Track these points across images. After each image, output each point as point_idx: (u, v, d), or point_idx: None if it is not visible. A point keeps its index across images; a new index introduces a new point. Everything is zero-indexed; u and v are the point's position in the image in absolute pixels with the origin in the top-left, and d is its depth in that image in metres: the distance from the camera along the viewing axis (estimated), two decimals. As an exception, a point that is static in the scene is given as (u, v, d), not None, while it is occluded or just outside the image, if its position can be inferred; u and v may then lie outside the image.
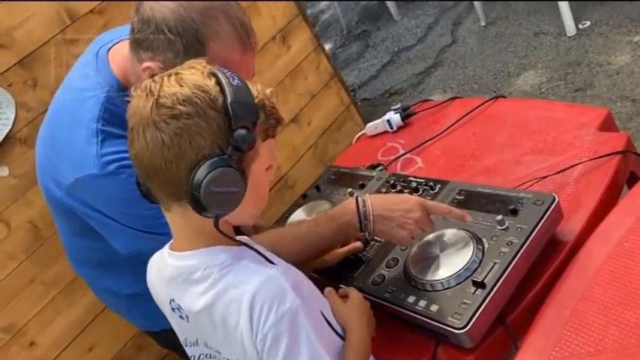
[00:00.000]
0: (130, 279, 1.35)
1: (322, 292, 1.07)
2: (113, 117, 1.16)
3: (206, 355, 1.01)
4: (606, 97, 2.70)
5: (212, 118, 0.84)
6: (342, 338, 1.02)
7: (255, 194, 0.92)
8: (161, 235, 1.11)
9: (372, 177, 1.53)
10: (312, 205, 1.55)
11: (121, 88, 1.19)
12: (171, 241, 1.00)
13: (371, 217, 1.16)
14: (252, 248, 0.95)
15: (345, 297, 1.10)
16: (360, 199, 1.18)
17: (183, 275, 0.94)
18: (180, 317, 0.99)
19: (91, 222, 1.24)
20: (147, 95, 0.86)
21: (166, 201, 0.91)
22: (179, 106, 0.83)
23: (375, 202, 1.17)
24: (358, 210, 1.16)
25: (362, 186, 1.52)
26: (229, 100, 0.84)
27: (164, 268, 0.99)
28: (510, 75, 3.22)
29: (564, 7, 3.13)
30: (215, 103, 0.84)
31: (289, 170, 2.61)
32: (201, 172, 0.83)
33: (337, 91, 2.88)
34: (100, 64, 1.21)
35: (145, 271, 1.26)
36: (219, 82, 0.86)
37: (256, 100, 0.88)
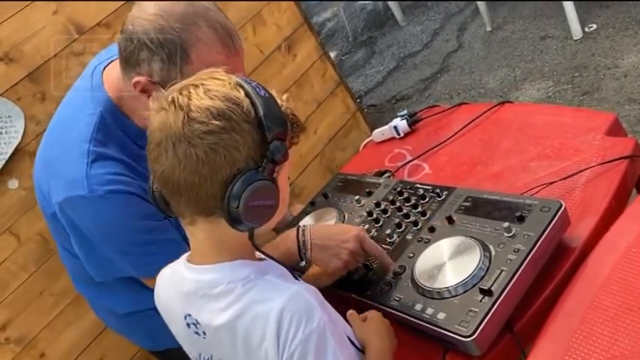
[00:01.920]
0: (127, 298, 1.35)
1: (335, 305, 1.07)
2: (106, 137, 1.17)
3: None
4: (614, 101, 2.69)
5: (247, 132, 0.83)
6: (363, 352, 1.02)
7: (281, 202, 0.91)
8: (140, 263, 1.16)
9: (380, 184, 1.53)
10: (320, 213, 1.55)
11: (115, 108, 1.19)
12: (186, 254, 0.99)
13: (309, 246, 1.22)
14: (276, 261, 0.94)
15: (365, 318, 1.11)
16: (300, 228, 1.24)
17: (203, 290, 0.92)
18: (196, 333, 0.96)
19: (74, 243, 1.23)
20: (175, 109, 0.83)
21: (192, 215, 0.89)
22: (214, 121, 0.81)
23: (314, 231, 1.24)
24: (298, 239, 1.23)
25: (369, 193, 1.52)
26: (261, 112, 0.83)
27: (181, 283, 0.96)
28: (517, 79, 3.21)
29: (570, 11, 3.12)
30: (248, 116, 0.83)
31: (296, 178, 2.62)
32: (238, 187, 0.82)
33: (343, 99, 2.88)
34: (94, 84, 1.21)
35: (142, 289, 1.25)
36: (247, 94, 0.84)
37: (283, 109, 0.88)
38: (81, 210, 1.15)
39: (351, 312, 1.10)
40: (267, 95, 0.86)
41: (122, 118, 1.19)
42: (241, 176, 0.83)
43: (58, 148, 1.21)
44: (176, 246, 1.08)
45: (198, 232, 0.92)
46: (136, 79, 1.10)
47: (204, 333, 0.95)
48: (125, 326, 1.47)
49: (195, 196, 0.85)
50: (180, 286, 0.96)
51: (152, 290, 1.17)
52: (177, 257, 1.01)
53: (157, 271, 1.06)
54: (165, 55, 1.06)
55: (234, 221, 0.84)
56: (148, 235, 1.18)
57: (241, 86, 0.86)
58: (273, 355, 0.86)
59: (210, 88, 0.84)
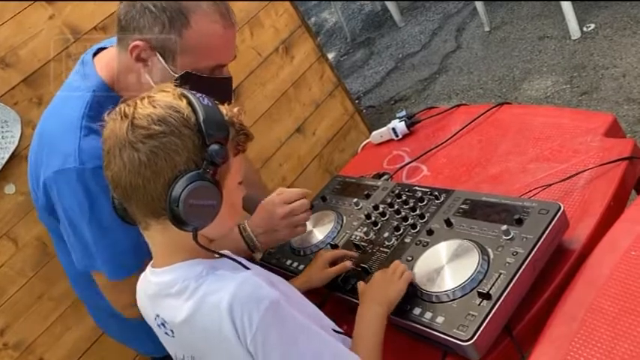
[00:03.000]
0: None
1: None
2: (98, 114, 1.16)
3: None
4: (613, 100, 2.69)
5: (186, 136, 0.88)
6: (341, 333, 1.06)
7: (229, 208, 0.96)
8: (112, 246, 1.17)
9: (378, 187, 1.53)
10: (319, 216, 1.55)
11: (107, 88, 1.22)
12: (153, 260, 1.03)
13: (253, 238, 1.31)
14: (230, 258, 0.99)
15: None
16: (241, 226, 1.33)
17: (163, 290, 0.97)
18: (166, 333, 1.02)
19: (61, 226, 1.24)
20: (122, 118, 0.90)
21: (145, 219, 0.94)
22: (154, 126, 0.88)
23: (251, 223, 1.33)
24: (243, 236, 1.32)
25: (367, 196, 1.51)
26: (201, 117, 0.89)
27: (147, 286, 1.02)
28: (515, 80, 3.21)
29: (568, 11, 3.12)
30: (188, 122, 0.89)
31: (294, 180, 2.61)
32: (178, 187, 0.87)
33: (341, 101, 2.88)
34: (86, 70, 1.25)
35: None
36: (190, 103, 0.90)
37: (226, 117, 0.93)
38: (68, 184, 1.15)
39: (360, 284, 1.19)
40: (209, 104, 0.92)
41: (115, 97, 1.20)
42: (181, 177, 0.88)
43: (52, 127, 1.23)
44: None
45: (153, 236, 0.97)
46: (135, 43, 1.14)
47: (172, 332, 1.00)
48: (127, 331, 1.46)
49: (142, 199, 0.90)
50: (147, 289, 1.02)
51: None
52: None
53: (122, 266, 1.16)
54: (167, 18, 1.11)
55: (177, 221, 0.89)
56: None
57: (185, 96, 0.92)
58: (234, 342, 0.90)
59: (155, 99, 0.91)
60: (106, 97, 1.20)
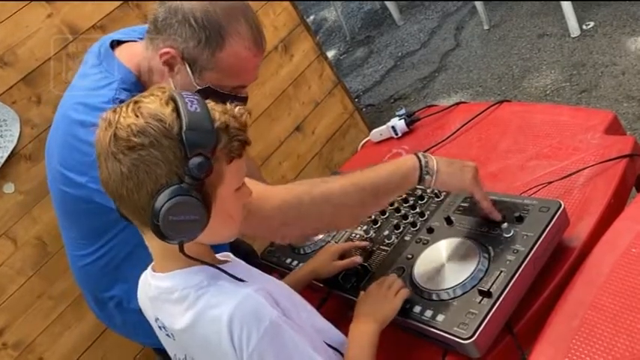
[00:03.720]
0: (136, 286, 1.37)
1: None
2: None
3: None
4: (612, 98, 2.68)
5: (167, 147, 0.84)
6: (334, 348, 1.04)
7: (224, 217, 0.92)
8: None
9: (377, 185, 1.52)
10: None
11: (134, 78, 1.23)
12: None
13: (434, 162, 1.15)
14: (221, 270, 0.94)
15: None
16: (418, 153, 1.17)
17: (163, 295, 0.97)
18: (167, 335, 1.01)
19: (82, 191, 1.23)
20: (106, 127, 0.87)
21: (139, 225, 0.93)
22: (133, 138, 0.84)
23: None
24: (419, 158, 1.15)
25: (367, 195, 1.51)
26: (184, 127, 0.84)
27: (147, 288, 1.01)
28: (515, 78, 3.20)
29: (568, 9, 3.11)
30: (170, 132, 0.84)
31: (294, 179, 2.61)
32: (159, 202, 0.84)
33: (341, 99, 2.88)
34: (109, 61, 1.25)
35: None
36: (176, 109, 0.86)
37: (217, 124, 0.87)
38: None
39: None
40: (197, 110, 0.86)
41: (141, 88, 1.22)
42: (162, 192, 0.84)
43: (79, 111, 1.22)
44: None
45: (150, 241, 0.96)
46: (166, 49, 1.16)
47: (172, 335, 0.99)
48: (134, 322, 1.45)
49: (130, 208, 0.89)
50: (148, 291, 1.02)
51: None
52: None
53: None
54: (205, 36, 1.14)
55: (159, 235, 0.86)
56: None
57: (173, 100, 0.87)
58: (232, 356, 0.89)
59: (141, 105, 0.87)
60: (134, 87, 1.21)
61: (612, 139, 1.35)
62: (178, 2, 1.15)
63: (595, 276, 1.05)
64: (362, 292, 1.18)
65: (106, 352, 2.04)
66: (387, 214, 1.40)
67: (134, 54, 1.25)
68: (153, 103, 0.87)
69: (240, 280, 0.94)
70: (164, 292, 0.96)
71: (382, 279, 1.18)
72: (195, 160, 0.84)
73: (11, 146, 1.83)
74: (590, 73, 2.90)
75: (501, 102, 1.69)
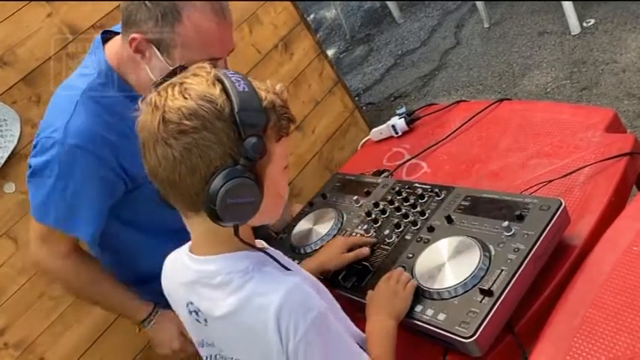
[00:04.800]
0: (128, 267, 1.47)
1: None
2: (99, 96, 1.27)
3: (222, 357, 1.01)
4: (613, 96, 2.68)
5: (220, 129, 0.82)
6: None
7: (273, 196, 0.91)
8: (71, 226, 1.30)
9: (378, 184, 1.53)
10: (319, 214, 1.55)
11: (112, 71, 1.28)
12: (189, 243, 1.00)
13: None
14: (270, 256, 0.94)
15: None
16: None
17: (204, 279, 0.94)
18: (197, 320, 0.99)
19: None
20: (153, 110, 0.85)
21: (184, 210, 0.92)
22: (185, 121, 0.82)
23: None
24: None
25: (367, 193, 1.51)
26: (236, 108, 0.82)
27: (183, 271, 0.98)
28: (515, 75, 3.20)
29: (568, 6, 3.11)
30: (222, 114, 0.83)
31: (294, 178, 2.61)
32: (215, 185, 0.82)
33: (341, 98, 2.87)
34: (96, 52, 1.32)
35: (141, 259, 1.40)
36: (224, 90, 0.84)
37: (264, 103, 0.86)
38: (48, 150, 1.24)
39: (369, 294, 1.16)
40: (246, 90, 0.84)
41: (121, 82, 1.28)
42: (218, 175, 0.83)
43: (55, 99, 1.33)
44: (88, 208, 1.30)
45: (193, 225, 0.94)
46: (133, 36, 1.20)
47: (205, 321, 0.97)
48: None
49: (180, 194, 0.87)
50: (183, 275, 0.98)
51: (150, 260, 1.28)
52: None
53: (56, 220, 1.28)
54: (160, 13, 1.17)
55: (215, 219, 0.85)
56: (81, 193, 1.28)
57: (220, 81, 0.85)
58: (276, 347, 0.88)
59: (187, 87, 0.84)
60: (111, 80, 1.28)
61: (613, 137, 1.35)
62: None
63: (596, 274, 1.05)
64: (370, 291, 1.17)
65: (106, 352, 2.04)
66: (388, 213, 1.40)
67: (117, 48, 1.29)
68: (200, 85, 0.85)
69: (286, 268, 0.94)
70: (205, 275, 0.93)
71: (389, 274, 1.17)
72: (250, 141, 0.83)
73: (12, 146, 1.83)
74: (591, 70, 2.90)
75: (502, 100, 1.69)
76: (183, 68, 1.09)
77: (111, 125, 1.25)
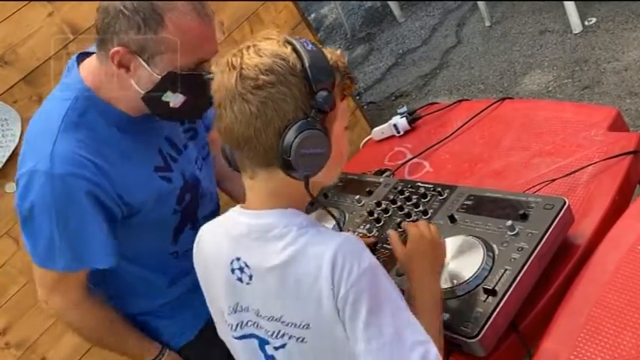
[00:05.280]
0: (139, 296, 1.38)
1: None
2: (79, 119, 1.17)
3: (253, 323, 1.00)
4: (615, 94, 2.68)
5: (293, 84, 0.88)
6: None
7: (337, 154, 0.96)
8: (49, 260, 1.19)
9: (380, 183, 1.52)
10: (320, 213, 1.54)
11: (91, 94, 1.19)
12: (238, 205, 1.02)
13: None
14: (330, 213, 1.03)
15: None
16: None
17: (257, 233, 0.96)
18: (239, 279, 0.99)
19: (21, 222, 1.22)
20: (229, 69, 0.90)
21: (252, 168, 0.95)
22: (262, 76, 0.88)
23: None
24: None
25: (370, 193, 1.51)
26: (307, 64, 0.89)
27: (232, 227, 1.00)
28: (517, 74, 3.19)
29: (569, 5, 3.10)
30: (294, 70, 0.89)
31: (296, 177, 2.60)
32: (289, 137, 0.88)
33: (342, 97, 2.87)
34: (71, 75, 1.23)
35: (152, 290, 1.34)
36: (295, 49, 0.90)
37: (331, 62, 0.93)
38: (37, 184, 1.13)
39: (392, 233, 1.14)
40: (314, 49, 0.91)
41: (101, 102, 1.19)
42: (292, 126, 0.88)
43: (34, 129, 1.23)
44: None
45: (257, 183, 0.96)
46: (115, 49, 1.11)
47: (249, 278, 0.97)
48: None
49: (253, 149, 0.91)
50: (232, 230, 1.00)
51: (162, 290, 1.33)
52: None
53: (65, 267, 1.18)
54: (141, 19, 1.09)
55: (288, 169, 0.90)
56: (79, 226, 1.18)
57: (289, 43, 0.92)
58: (327, 293, 0.88)
59: (261, 47, 0.90)
60: (91, 103, 1.18)
61: (616, 135, 1.35)
62: (109, 2, 1.11)
63: (600, 273, 1.05)
64: (399, 247, 1.11)
65: (107, 353, 2.03)
66: (390, 212, 1.39)
67: (93, 67, 1.21)
68: (272, 45, 0.91)
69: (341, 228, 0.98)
70: (259, 228, 0.95)
71: (416, 228, 1.10)
72: (322, 94, 0.89)
73: (13, 146, 1.82)
74: (593, 69, 2.89)
75: (503, 99, 1.68)
76: (174, 76, 1.11)
77: (97, 151, 1.17)
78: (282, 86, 0.88)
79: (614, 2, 3.19)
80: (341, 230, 1.41)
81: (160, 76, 1.13)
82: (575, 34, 3.16)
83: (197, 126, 1.40)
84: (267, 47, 0.90)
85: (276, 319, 0.96)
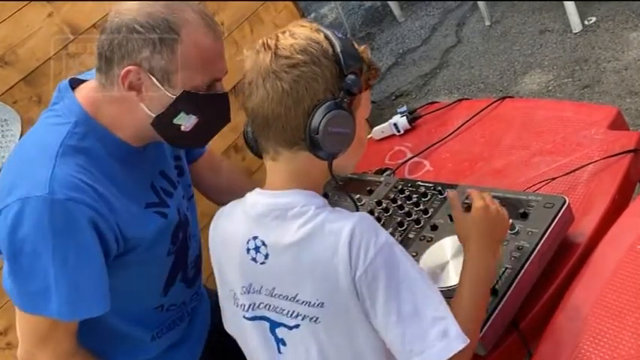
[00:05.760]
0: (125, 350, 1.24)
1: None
2: (79, 146, 1.08)
3: (265, 305, 1.00)
4: (615, 94, 2.67)
5: (325, 66, 0.93)
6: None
7: (358, 141, 0.99)
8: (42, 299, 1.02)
9: (380, 182, 1.52)
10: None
11: (91, 120, 1.11)
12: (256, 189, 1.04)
13: None
14: (348, 195, 1.14)
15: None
16: None
17: (276, 212, 0.97)
18: (253, 260, 0.99)
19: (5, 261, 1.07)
20: (265, 49, 0.94)
21: (276, 148, 0.97)
22: (297, 55, 0.92)
23: None
24: None
25: (370, 192, 1.50)
26: (339, 49, 0.93)
27: (251, 207, 1.01)
28: (517, 74, 3.19)
29: (569, 4, 3.10)
30: (327, 53, 0.93)
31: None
32: (318, 115, 0.91)
33: (342, 96, 2.87)
34: (66, 100, 1.13)
35: (139, 343, 1.23)
36: (326, 36, 0.95)
37: (359, 52, 0.97)
38: (33, 213, 1.01)
39: (453, 193, 1.11)
40: (344, 37, 0.96)
41: (100, 128, 1.11)
42: (321, 106, 0.92)
43: (26, 153, 1.12)
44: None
45: (279, 165, 0.99)
46: (127, 69, 1.04)
47: (265, 257, 0.98)
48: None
49: (281, 128, 0.94)
50: (251, 210, 1.01)
51: (145, 345, 1.22)
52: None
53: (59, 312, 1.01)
54: (157, 37, 1.04)
55: (315, 147, 0.93)
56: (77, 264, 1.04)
57: (321, 30, 0.97)
58: (344, 269, 0.90)
59: (295, 32, 0.96)
60: (90, 129, 1.10)
61: (616, 134, 1.35)
62: (117, 18, 1.06)
63: (600, 272, 1.05)
64: (460, 216, 1.06)
65: None
66: (391, 211, 1.39)
67: (92, 93, 1.12)
68: (305, 31, 0.96)
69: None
70: (279, 207, 0.97)
71: (482, 201, 1.04)
72: (351, 77, 0.93)
73: (13, 146, 1.82)
74: (593, 68, 2.89)
75: (503, 98, 1.68)
76: (189, 95, 1.07)
77: (97, 178, 1.07)
78: (315, 66, 0.92)
79: (614, 1, 3.19)
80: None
81: (174, 97, 1.06)
82: (575, 34, 3.16)
83: (182, 164, 1.32)
84: (302, 31, 0.95)
85: (290, 298, 0.97)
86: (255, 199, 1.02)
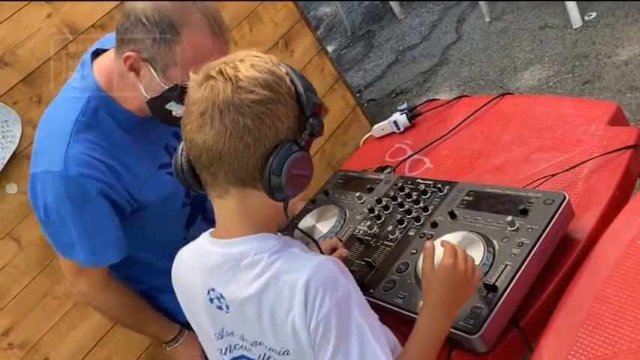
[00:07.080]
0: (137, 274, 1.44)
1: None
2: (91, 120, 1.23)
3: (241, 346, 1.00)
4: (615, 89, 2.67)
5: (290, 105, 0.89)
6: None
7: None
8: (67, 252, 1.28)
9: (380, 180, 1.52)
10: (321, 211, 1.54)
11: (103, 93, 1.24)
12: (209, 231, 1.01)
13: None
14: (306, 234, 1.03)
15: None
16: None
17: (229, 262, 0.94)
18: (219, 308, 0.98)
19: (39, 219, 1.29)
20: (224, 80, 0.87)
21: (226, 186, 0.91)
22: (263, 90, 0.86)
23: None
24: None
25: (370, 189, 1.51)
26: (301, 89, 0.90)
27: (205, 257, 0.98)
28: (517, 70, 3.19)
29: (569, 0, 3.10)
30: (290, 91, 0.89)
31: (297, 176, 2.60)
32: (281, 155, 0.87)
33: (342, 94, 2.87)
34: (85, 71, 1.27)
35: (146, 268, 1.39)
36: (287, 72, 0.91)
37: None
38: (53, 185, 1.20)
39: (429, 245, 1.02)
40: (303, 76, 0.93)
41: (111, 102, 1.24)
42: (283, 146, 0.87)
43: (46, 129, 1.28)
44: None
45: (227, 204, 0.94)
46: (128, 53, 1.16)
47: (227, 307, 0.96)
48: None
49: (236, 165, 0.88)
50: (205, 261, 0.98)
51: (152, 270, 1.35)
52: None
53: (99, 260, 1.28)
54: (159, 32, 1.13)
55: (274, 190, 0.88)
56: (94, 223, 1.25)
57: (281, 65, 0.92)
58: (300, 324, 0.88)
59: (255, 63, 0.89)
60: (102, 103, 1.23)
61: (616, 130, 1.34)
62: (132, 6, 1.15)
63: (600, 268, 1.05)
64: (427, 264, 1.00)
65: (110, 351, 2.04)
66: (391, 209, 1.39)
67: (107, 65, 1.25)
68: (266, 63, 0.90)
69: (320, 249, 0.98)
70: (231, 258, 0.93)
71: (453, 259, 0.98)
72: (315, 119, 0.90)
73: (13, 147, 1.83)
74: (593, 64, 2.88)
75: (503, 95, 1.68)
76: (180, 89, 1.11)
77: (108, 151, 1.23)
78: (281, 105, 0.87)
79: (614, -3, 3.18)
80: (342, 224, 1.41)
81: (166, 87, 1.17)
82: (576, 29, 3.16)
83: None
84: (261, 64, 0.89)
85: (260, 344, 0.96)
86: (208, 249, 0.98)
